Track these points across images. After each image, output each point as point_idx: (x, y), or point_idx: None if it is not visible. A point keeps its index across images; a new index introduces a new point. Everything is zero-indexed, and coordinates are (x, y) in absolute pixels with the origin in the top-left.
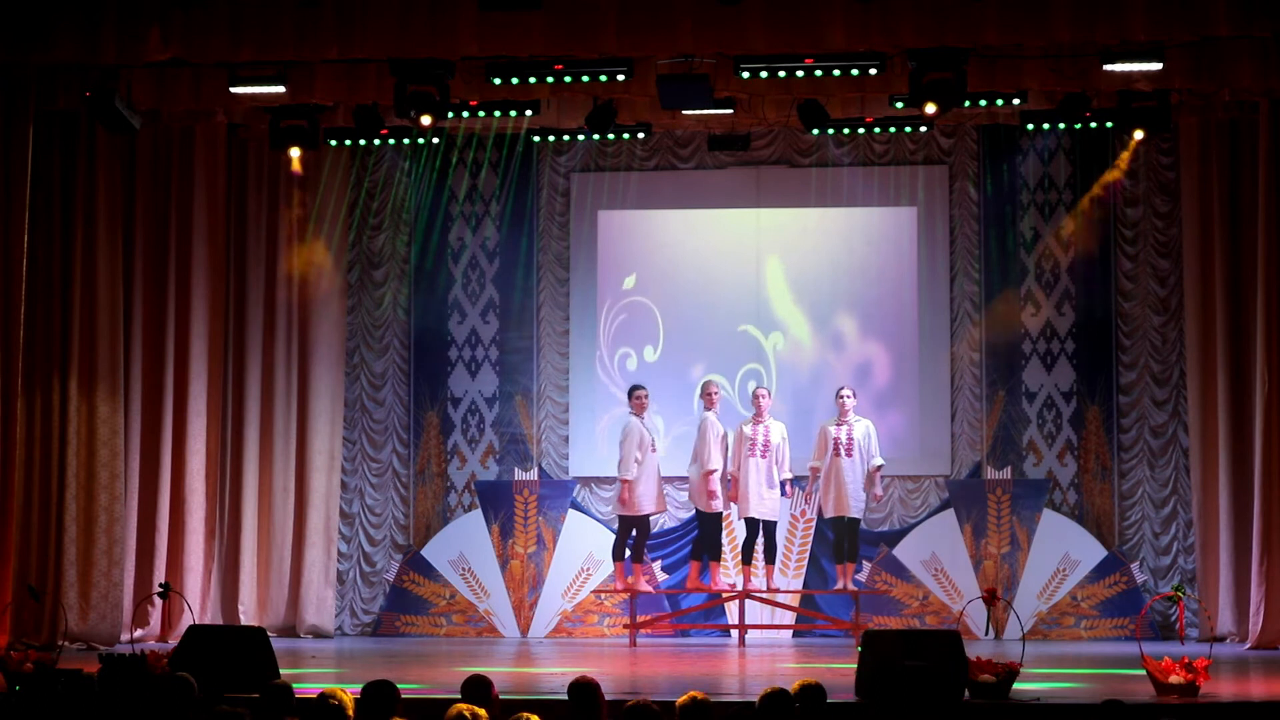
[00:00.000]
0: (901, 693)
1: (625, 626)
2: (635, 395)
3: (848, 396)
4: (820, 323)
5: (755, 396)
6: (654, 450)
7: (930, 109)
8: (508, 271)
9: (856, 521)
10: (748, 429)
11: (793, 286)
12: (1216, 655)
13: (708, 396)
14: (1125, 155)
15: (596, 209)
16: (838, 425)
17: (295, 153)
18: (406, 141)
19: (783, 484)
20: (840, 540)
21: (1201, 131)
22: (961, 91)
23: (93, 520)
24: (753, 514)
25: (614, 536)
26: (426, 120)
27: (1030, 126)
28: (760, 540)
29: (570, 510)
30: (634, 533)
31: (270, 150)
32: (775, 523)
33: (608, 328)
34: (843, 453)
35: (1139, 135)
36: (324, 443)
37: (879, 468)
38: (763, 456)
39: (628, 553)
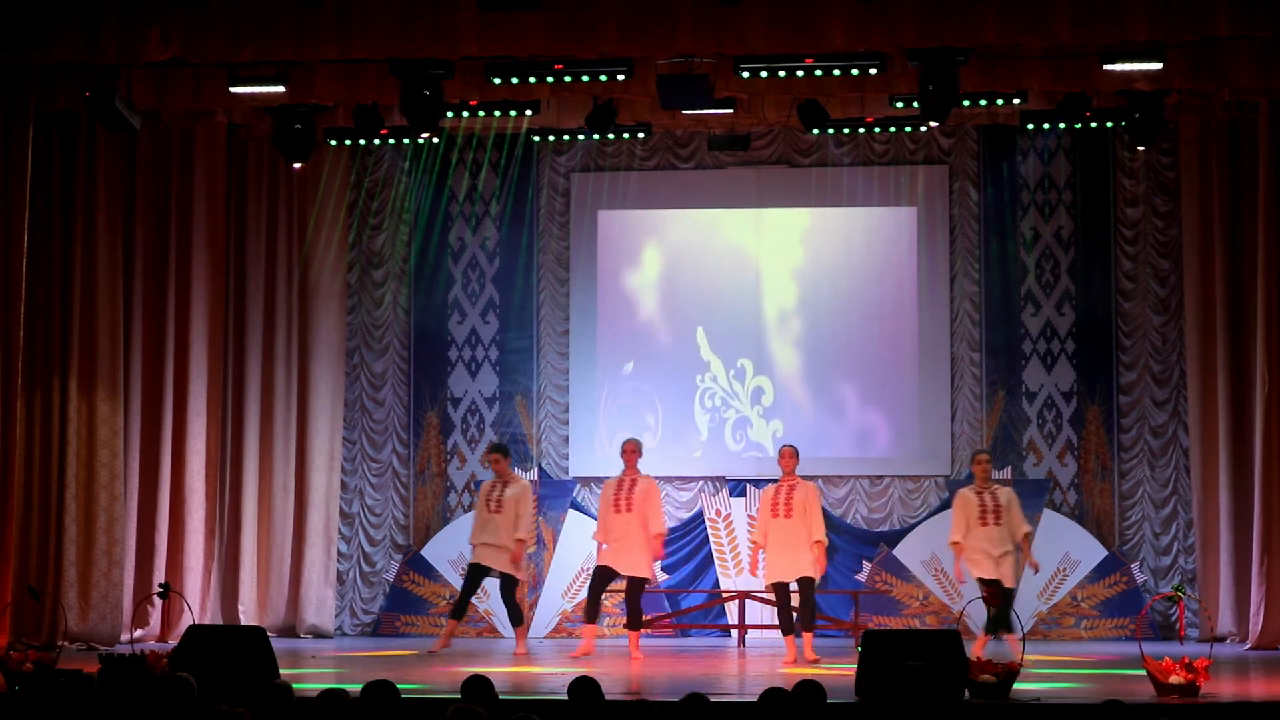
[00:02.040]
0: (901, 693)
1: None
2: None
3: (986, 460)
4: (819, 325)
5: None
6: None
7: (933, 124)
8: (508, 271)
9: (1012, 592)
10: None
11: (791, 289)
12: (1217, 655)
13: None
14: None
15: (596, 209)
16: (978, 493)
17: (297, 166)
18: (406, 141)
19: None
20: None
21: (1201, 131)
22: (954, 95)
23: (93, 520)
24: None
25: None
26: (424, 135)
27: (1030, 126)
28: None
29: (570, 510)
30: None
31: (270, 150)
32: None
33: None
34: (990, 521)
35: (1140, 149)
36: (324, 443)
37: (1028, 535)
38: (786, 517)
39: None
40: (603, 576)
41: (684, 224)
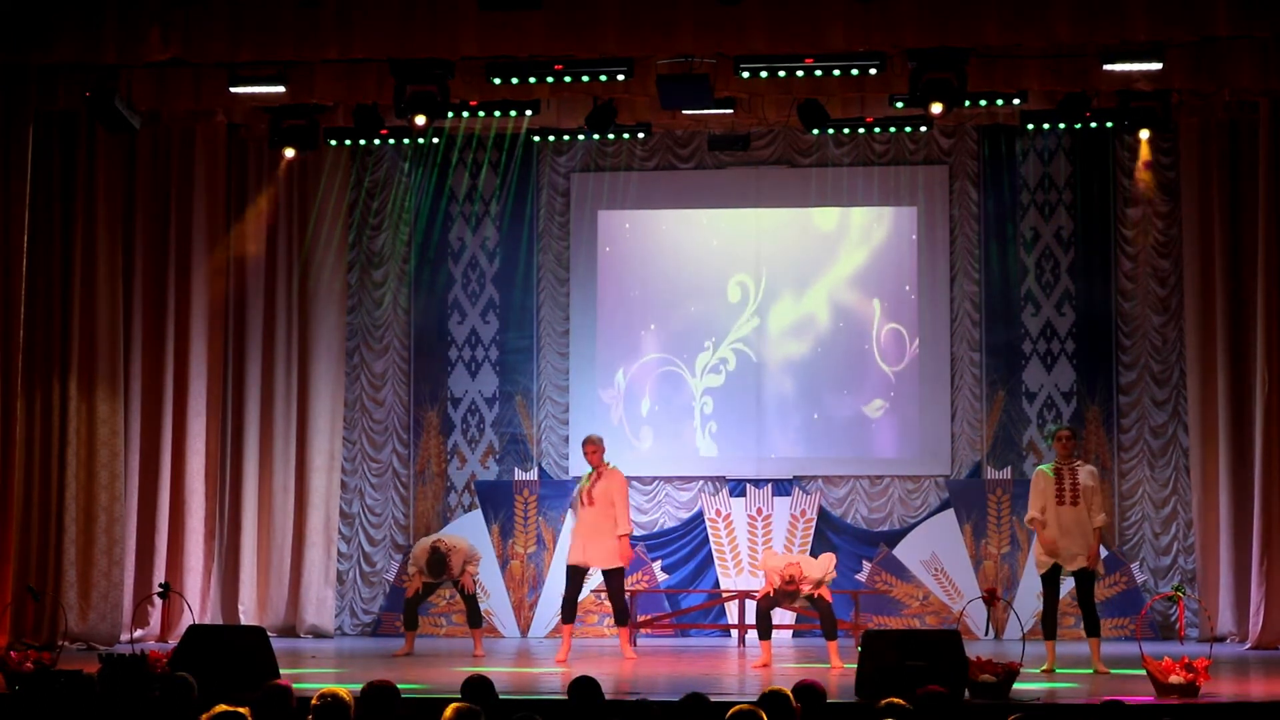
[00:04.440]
0: (901, 693)
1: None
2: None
3: (1067, 437)
4: (818, 325)
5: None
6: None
7: (936, 109)
8: (508, 271)
9: (1091, 577)
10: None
11: (791, 289)
12: (1216, 655)
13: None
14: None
15: (596, 209)
16: (1056, 469)
17: (290, 153)
18: (406, 141)
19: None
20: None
21: (1201, 131)
22: (963, 90)
23: (93, 520)
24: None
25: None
26: (421, 120)
27: (1030, 126)
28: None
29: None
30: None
31: (270, 150)
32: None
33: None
34: (1066, 500)
35: (1145, 135)
36: (324, 443)
37: (1098, 528)
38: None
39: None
40: (575, 575)
41: (684, 224)
